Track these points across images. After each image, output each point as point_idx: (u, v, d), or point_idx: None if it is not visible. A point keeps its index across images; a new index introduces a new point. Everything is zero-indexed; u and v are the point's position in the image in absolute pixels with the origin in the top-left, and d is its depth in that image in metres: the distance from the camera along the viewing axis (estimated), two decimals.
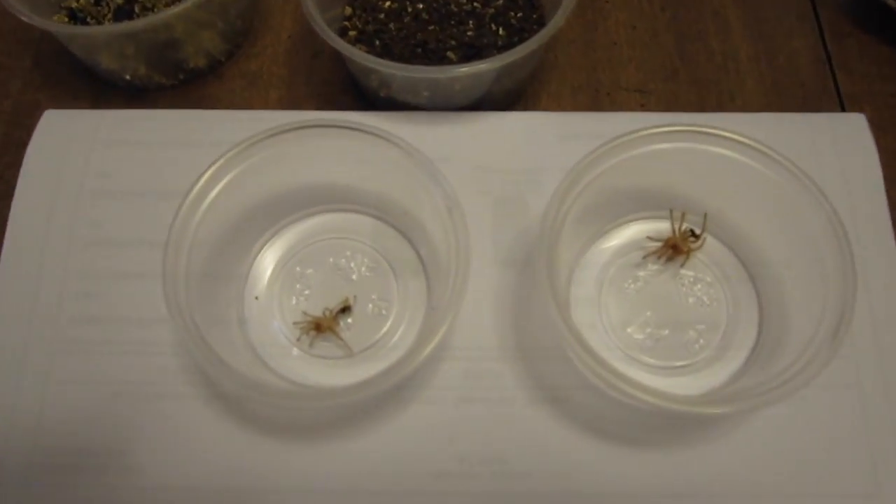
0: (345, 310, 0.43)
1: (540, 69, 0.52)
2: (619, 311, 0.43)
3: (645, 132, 0.39)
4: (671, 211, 0.43)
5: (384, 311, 0.43)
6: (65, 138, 0.48)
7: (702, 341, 0.42)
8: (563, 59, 0.53)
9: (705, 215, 0.43)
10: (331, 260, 0.44)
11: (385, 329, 0.43)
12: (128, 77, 0.52)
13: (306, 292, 0.43)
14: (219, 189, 0.39)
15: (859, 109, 0.49)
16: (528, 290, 0.43)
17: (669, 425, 0.40)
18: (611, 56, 0.53)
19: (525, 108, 0.50)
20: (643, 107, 0.51)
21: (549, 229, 0.37)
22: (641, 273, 0.44)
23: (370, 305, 0.43)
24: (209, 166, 0.39)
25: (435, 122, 0.47)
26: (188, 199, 0.38)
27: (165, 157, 0.47)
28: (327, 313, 0.42)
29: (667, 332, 0.42)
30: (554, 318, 0.36)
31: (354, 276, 0.44)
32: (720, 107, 0.51)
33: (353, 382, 0.36)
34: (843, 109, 0.50)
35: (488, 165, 0.46)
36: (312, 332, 0.42)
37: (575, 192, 0.39)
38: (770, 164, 0.39)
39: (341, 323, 0.43)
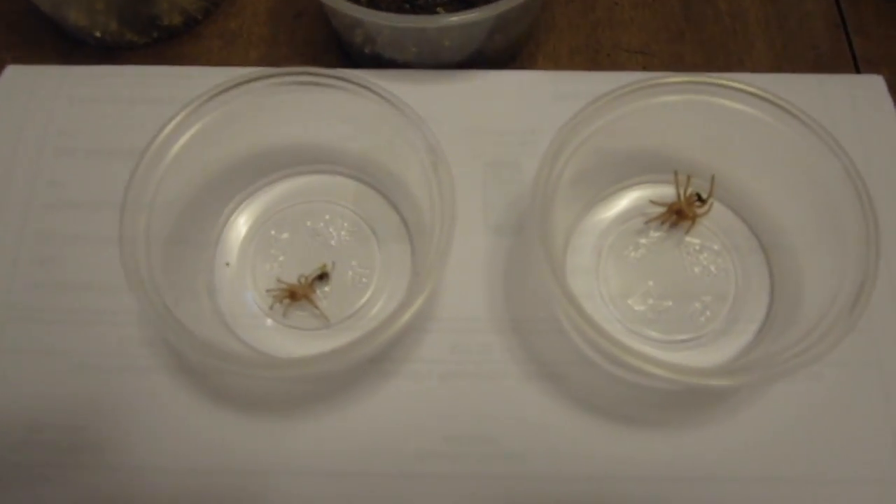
0: (322, 277, 0.39)
1: (536, 29, 0.49)
2: (619, 281, 0.39)
3: (644, 83, 0.36)
4: (675, 173, 0.40)
5: (365, 280, 0.40)
6: (27, 95, 0.45)
7: (708, 313, 0.39)
8: (560, 18, 0.50)
9: (713, 178, 0.40)
10: (308, 224, 0.41)
11: (365, 298, 0.40)
12: (98, 34, 0.48)
13: (281, 258, 0.40)
14: (182, 145, 0.36)
15: (876, 72, 0.45)
16: (521, 257, 0.40)
17: (673, 403, 0.37)
18: (611, 15, 0.50)
19: (520, 69, 0.47)
20: (645, 69, 0.48)
21: (542, 193, 0.34)
22: (643, 240, 0.40)
23: (350, 273, 0.40)
24: (170, 119, 0.36)
25: (423, 80, 0.44)
26: (146, 155, 0.35)
27: (133, 115, 0.44)
28: (303, 280, 0.39)
29: (670, 303, 0.39)
30: (550, 285, 0.32)
31: (333, 242, 0.40)
32: (727, 69, 0.48)
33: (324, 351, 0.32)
34: (858, 73, 0.47)
35: (479, 127, 0.43)
36: (286, 301, 0.39)
37: (568, 152, 0.36)
38: (785, 119, 0.36)
39: (318, 291, 0.39)
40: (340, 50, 0.49)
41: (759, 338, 0.38)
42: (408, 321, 0.33)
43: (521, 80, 0.45)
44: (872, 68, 0.47)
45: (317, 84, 0.36)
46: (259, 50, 0.50)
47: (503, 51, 0.47)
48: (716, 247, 0.40)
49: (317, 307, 0.39)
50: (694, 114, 0.38)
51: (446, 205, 0.34)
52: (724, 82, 0.37)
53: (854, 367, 0.38)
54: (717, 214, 0.40)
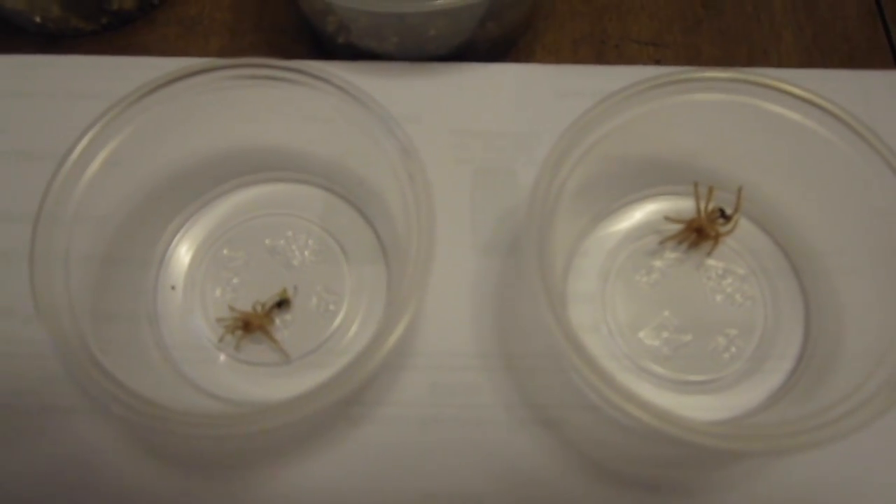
0: (282, 304, 0.34)
1: (534, 16, 0.43)
2: (628, 310, 0.34)
3: (662, 80, 0.31)
4: (695, 185, 0.34)
5: (332, 307, 0.34)
6: None
7: (733, 350, 0.33)
8: (562, 4, 0.44)
9: (739, 190, 0.34)
10: (267, 241, 0.35)
11: (333, 329, 0.34)
12: (38, 20, 0.42)
13: (234, 281, 0.34)
14: (112, 150, 0.30)
15: None
16: (514, 282, 0.34)
17: (693, 461, 0.31)
18: (620, 2, 0.44)
19: (516, 63, 0.41)
20: (658, 63, 0.42)
21: (540, 207, 0.28)
22: (657, 263, 0.35)
23: (314, 299, 0.34)
24: (95, 120, 0.30)
25: (403, 73, 0.38)
26: (66, 162, 0.30)
27: (69, 112, 0.38)
28: (259, 308, 0.33)
29: (689, 337, 0.33)
30: (545, 317, 0.27)
31: (296, 262, 0.35)
32: (751, 64, 0.42)
33: (282, 398, 0.27)
34: None
35: (468, 128, 0.38)
36: (239, 332, 0.33)
37: (572, 159, 0.30)
38: (828, 123, 0.30)
39: (277, 320, 0.34)
40: (313, 39, 0.43)
41: (793, 380, 0.33)
42: (380, 362, 0.27)
43: (516, 75, 0.39)
44: None
45: (272, 78, 0.31)
46: (221, 38, 0.44)
47: (497, 41, 0.41)
48: (742, 271, 0.34)
49: (273, 340, 0.33)
50: (718, 116, 0.32)
51: (424, 221, 0.28)
52: (755, 79, 0.31)
53: None
54: (743, 233, 0.35)
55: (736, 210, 0.34)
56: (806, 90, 0.30)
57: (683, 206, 0.35)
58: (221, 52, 0.44)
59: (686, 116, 0.32)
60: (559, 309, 0.27)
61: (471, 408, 0.33)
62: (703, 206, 0.34)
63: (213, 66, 0.31)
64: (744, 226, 0.35)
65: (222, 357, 0.34)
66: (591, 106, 0.31)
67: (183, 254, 0.35)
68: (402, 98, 0.38)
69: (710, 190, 0.34)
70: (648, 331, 0.33)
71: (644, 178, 0.35)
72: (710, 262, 0.34)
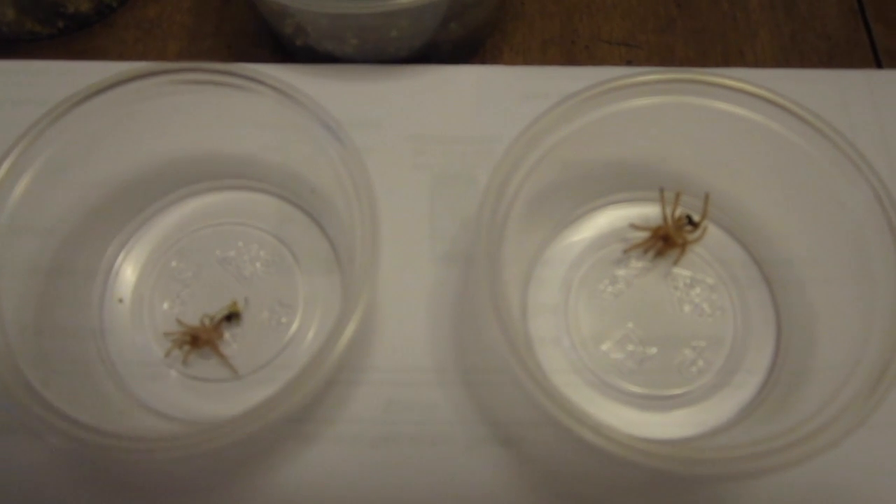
0: (231, 317, 0.32)
1: (501, 17, 0.41)
2: (592, 322, 0.32)
3: (624, 81, 0.29)
4: (661, 191, 0.33)
5: (284, 320, 0.33)
6: None
7: (701, 363, 0.31)
8: (531, 4, 0.42)
9: (706, 196, 0.32)
10: (217, 252, 0.34)
11: (285, 342, 0.32)
12: None
13: (184, 293, 0.33)
14: (48, 158, 0.29)
15: None
16: (475, 293, 0.33)
17: (659, 481, 0.29)
18: (591, 1, 0.42)
19: (481, 64, 0.40)
20: (629, 63, 0.40)
21: (490, 215, 0.27)
22: (622, 272, 0.33)
23: (266, 312, 0.33)
24: (29, 128, 0.28)
25: (362, 76, 0.37)
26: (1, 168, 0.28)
27: (11, 119, 0.36)
28: (207, 321, 0.32)
29: (654, 350, 0.32)
30: (492, 328, 0.25)
31: (247, 273, 0.33)
32: (726, 64, 0.40)
33: (228, 416, 0.25)
34: (879, 68, 0.40)
35: (429, 132, 0.36)
36: (186, 347, 0.32)
37: (528, 164, 0.29)
38: (797, 127, 0.29)
39: (227, 334, 0.32)
40: (274, 42, 0.42)
41: (763, 393, 0.31)
42: (323, 379, 0.26)
43: (480, 77, 0.38)
44: (895, 63, 0.40)
45: (214, 83, 0.29)
46: (180, 42, 0.42)
47: (462, 43, 0.39)
48: (711, 281, 0.33)
49: (221, 356, 0.32)
50: (685, 119, 0.31)
51: (367, 229, 0.27)
52: (722, 80, 0.30)
53: (880, 429, 0.30)
54: (712, 241, 0.33)
55: (703, 217, 0.32)
56: (772, 92, 0.29)
57: (649, 212, 0.33)
58: (180, 56, 0.42)
59: (650, 119, 0.31)
60: (505, 317, 0.26)
61: (427, 426, 0.31)
62: (669, 212, 0.32)
63: (151, 70, 0.30)
64: (713, 234, 0.33)
65: (170, 373, 0.32)
66: (547, 108, 0.29)
67: (130, 265, 0.34)
68: (361, 102, 0.37)
69: (677, 196, 0.32)
70: (612, 343, 0.32)
71: (608, 184, 0.34)
72: (678, 271, 0.33)
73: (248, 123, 0.30)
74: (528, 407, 0.30)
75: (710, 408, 0.31)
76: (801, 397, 0.30)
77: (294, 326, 0.33)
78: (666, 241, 0.32)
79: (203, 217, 0.34)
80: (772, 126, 0.30)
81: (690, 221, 0.32)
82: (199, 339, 0.32)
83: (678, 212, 0.32)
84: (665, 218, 0.32)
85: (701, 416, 0.31)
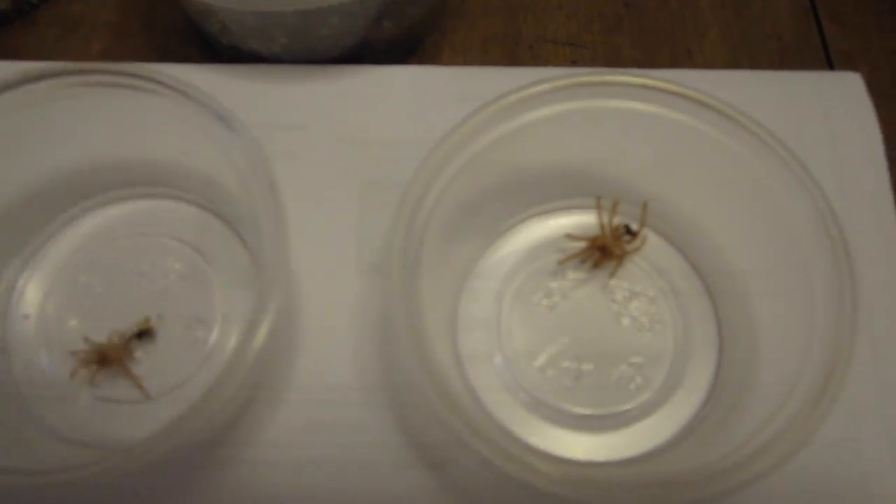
0: (143, 334, 0.30)
1: (440, 15, 0.40)
2: (525, 337, 0.31)
3: (556, 84, 0.27)
4: (598, 199, 0.31)
5: (201, 336, 0.31)
6: None
7: (639, 380, 0.30)
8: (473, 2, 0.41)
9: (644, 205, 0.31)
10: (130, 265, 0.32)
11: (202, 360, 0.30)
12: None
13: (94, 309, 0.31)
14: None
15: (852, 69, 0.37)
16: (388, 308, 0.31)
17: None
18: (535, 0, 0.41)
19: (418, 65, 0.38)
20: (574, 64, 0.39)
21: (406, 225, 0.25)
22: (557, 284, 0.31)
23: (180, 328, 0.31)
24: None
25: (289, 77, 0.35)
26: None
27: None
28: (116, 339, 0.30)
29: (591, 366, 0.30)
30: (402, 343, 0.24)
31: (161, 287, 0.31)
32: (673, 65, 0.39)
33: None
34: (831, 69, 0.39)
35: (359, 136, 0.34)
36: (94, 366, 0.30)
37: (451, 170, 0.27)
38: (736, 134, 0.27)
39: (138, 352, 0.30)
40: (202, 42, 0.40)
41: (705, 411, 0.30)
42: (232, 395, 0.24)
43: (415, 78, 0.36)
44: (848, 64, 0.39)
45: (107, 84, 0.27)
46: (104, 40, 0.40)
47: (397, 42, 0.38)
48: (651, 293, 0.31)
49: (130, 375, 0.29)
50: (622, 124, 0.29)
51: (273, 228, 0.25)
52: (657, 84, 0.28)
53: (824, 448, 0.29)
54: (652, 251, 0.32)
55: (641, 226, 0.31)
56: (710, 96, 0.27)
57: (586, 221, 0.32)
58: (103, 55, 0.40)
59: (586, 124, 0.29)
60: (416, 330, 0.24)
61: (352, 448, 0.29)
62: (607, 222, 0.31)
63: (51, 71, 0.27)
64: (654, 244, 0.32)
65: (78, 394, 0.30)
66: (473, 110, 0.27)
67: (36, 280, 0.32)
68: (288, 104, 0.35)
69: (615, 204, 0.31)
70: (546, 359, 0.30)
71: (544, 192, 0.32)
72: (616, 283, 0.31)
73: (151, 126, 0.28)
74: None
75: (650, 428, 0.29)
76: (742, 416, 0.28)
77: (211, 343, 0.31)
78: (603, 251, 0.31)
79: (114, 228, 0.32)
80: (710, 132, 0.28)
81: (629, 231, 0.31)
82: (107, 358, 0.30)
83: (616, 221, 0.31)
84: (602, 227, 0.31)
85: (639, 437, 0.29)
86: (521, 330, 0.31)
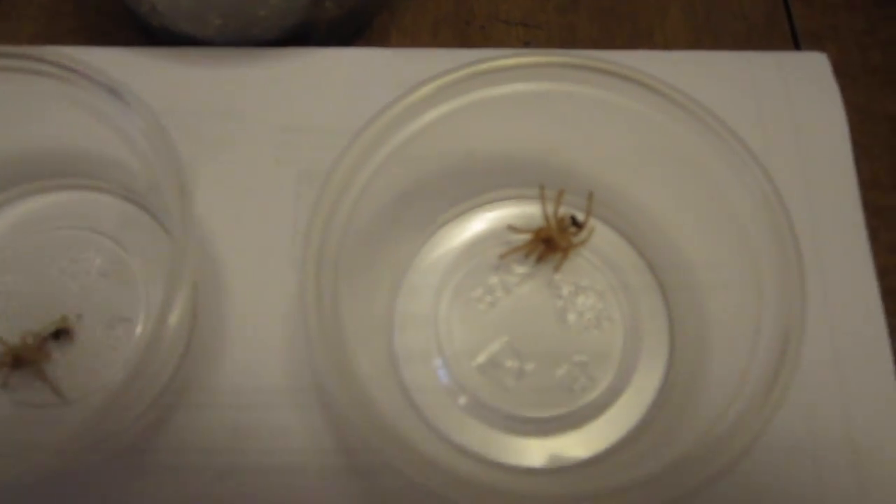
0: (60, 334, 0.28)
1: None
2: (465, 335, 0.29)
3: (494, 64, 0.25)
4: (542, 188, 0.29)
5: (123, 335, 0.29)
6: None
7: (584, 380, 0.28)
8: None
9: (590, 195, 0.29)
10: (47, 261, 0.30)
11: (124, 362, 0.29)
12: None
13: (7, 309, 0.29)
14: None
15: (819, 50, 0.35)
16: (346, 304, 0.29)
17: None
18: None
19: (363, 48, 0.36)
20: (528, 45, 0.37)
21: (324, 216, 0.23)
22: (500, 279, 0.30)
23: (100, 328, 0.29)
24: None
25: (222, 60, 0.33)
26: None
27: None
28: (30, 339, 0.28)
29: (533, 366, 0.28)
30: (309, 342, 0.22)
31: (80, 284, 0.29)
32: (633, 45, 0.37)
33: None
34: (797, 49, 0.37)
35: (297, 124, 0.33)
36: (6, 369, 0.28)
37: (378, 159, 0.25)
38: (683, 120, 0.26)
39: (54, 354, 0.28)
40: (139, 24, 0.38)
41: (653, 412, 0.28)
42: (136, 402, 0.22)
43: (358, 61, 0.34)
44: (815, 43, 0.37)
45: (22, 70, 0.25)
46: (36, 24, 0.38)
47: (341, 23, 0.36)
48: (599, 287, 0.29)
49: (44, 378, 0.28)
50: (570, 108, 0.28)
51: (181, 229, 0.23)
52: (601, 65, 0.26)
53: (779, 454, 0.27)
54: (601, 244, 0.30)
55: (587, 216, 0.29)
56: (655, 79, 0.25)
57: (529, 212, 0.30)
58: (35, 39, 0.38)
59: (527, 108, 0.27)
60: (321, 327, 0.22)
61: (279, 454, 0.28)
62: (551, 212, 0.29)
63: None
64: (603, 236, 0.30)
65: None
66: (401, 94, 0.25)
67: None
68: (221, 89, 0.33)
69: (560, 194, 0.29)
70: (487, 358, 0.29)
71: (485, 181, 0.30)
72: (562, 277, 0.29)
73: (46, 112, 0.27)
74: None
75: (595, 432, 0.28)
76: (692, 418, 0.26)
77: (134, 342, 0.29)
78: (548, 244, 0.29)
79: (28, 223, 0.31)
80: (656, 117, 0.26)
81: (575, 222, 0.29)
82: (21, 360, 0.28)
83: (562, 212, 0.29)
84: (547, 218, 0.29)
85: (584, 441, 0.28)
86: (461, 327, 0.29)
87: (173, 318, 0.23)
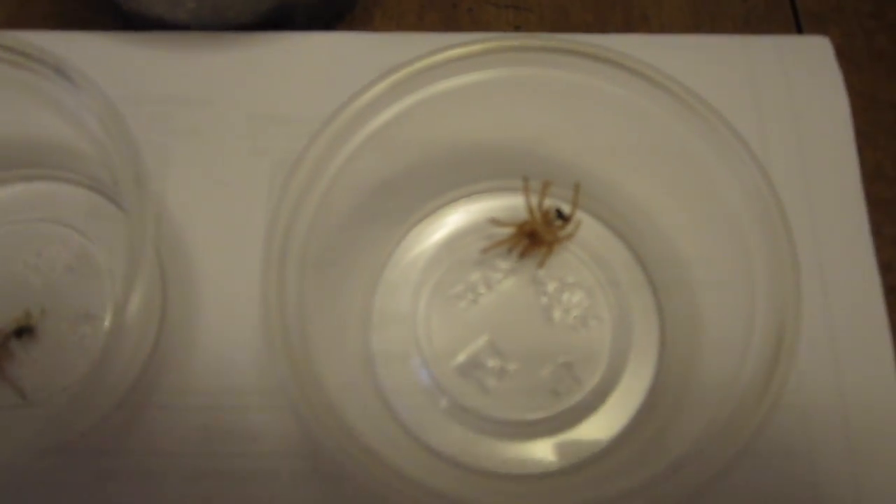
0: (22, 332, 0.27)
1: None
2: (445, 333, 0.28)
3: (472, 49, 0.24)
4: (525, 180, 0.28)
5: (89, 332, 0.28)
6: None
7: (569, 382, 0.27)
8: None
9: (576, 186, 0.27)
10: (10, 255, 0.29)
11: (91, 360, 0.27)
12: None
13: None
14: None
15: (822, 33, 0.33)
16: (318, 301, 0.28)
17: None
18: None
19: (343, 32, 0.35)
20: (518, 29, 0.35)
21: (289, 209, 0.22)
22: (482, 275, 0.28)
23: (66, 325, 0.28)
24: None
25: (194, 45, 0.32)
26: None
27: None
28: None
29: (516, 366, 0.27)
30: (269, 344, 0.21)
31: (44, 279, 0.28)
32: (627, 29, 0.35)
33: None
34: (800, 33, 0.35)
35: (272, 112, 0.31)
36: None
37: (351, 146, 0.24)
38: (672, 108, 0.24)
39: (17, 353, 0.27)
40: (114, 8, 0.36)
41: (642, 416, 0.27)
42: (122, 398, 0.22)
43: (338, 46, 0.33)
44: (818, 26, 0.35)
45: None
46: (7, 7, 0.37)
47: (322, 7, 0.34)
48: (586, 284, 0.28)
49: (5, 377, 0.27)
50: (553, 95, 0.26)
51: (135, 225, 0.22)
52: (588, 49, 0.24)
53: (774, 459, 0.26)
54: (590, 238, 0.29)
55: (574, 209, 0.27)
56: (637, 61, 0.24)
57: (512, 204, 0.29)
58: (6, 24, 0.37)
59: (512, 94, 0.26)
60: (279, 326, 0.21)
61: (250, 457, 0.27)
62: (536, 205, 0.28)
63: None
64: (592, 229, 0.29)
65: None
66: (374, 79, 0.24)
67: None
68: (192, 75, 0.32)
69: (545, 185, 0.28)
70: (467, 358, 0.27)
71: (467, 172, 0.29)
72: (547, 273, 0.28)
73: (6, 99, 0.25)
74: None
75: (579, 436, 0.26)
76: (682, 423, 0.25)
77: (101, 341, 0.28)
78: (533, 238, 0.27)
79: None
80: (648, 106, 0.25)
81: (561, 215, 0.27)
82: None
83: (547, 204, 0.27)
84: (531, 211, 0.27)
85: (568, 446, 0.26)
86: (441, 326, 0.28)
87: (132, 309, 0.21)
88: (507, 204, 0.29)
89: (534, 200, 0.28)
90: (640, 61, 0.24)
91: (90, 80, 0.23)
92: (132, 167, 0.22)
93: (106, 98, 0.23)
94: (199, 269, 0.29)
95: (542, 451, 0.26)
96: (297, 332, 0.21)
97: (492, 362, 0.27)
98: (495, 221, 0.28)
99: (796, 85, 0.31)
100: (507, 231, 0.28)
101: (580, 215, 0.28)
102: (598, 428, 0.27)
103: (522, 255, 0.28)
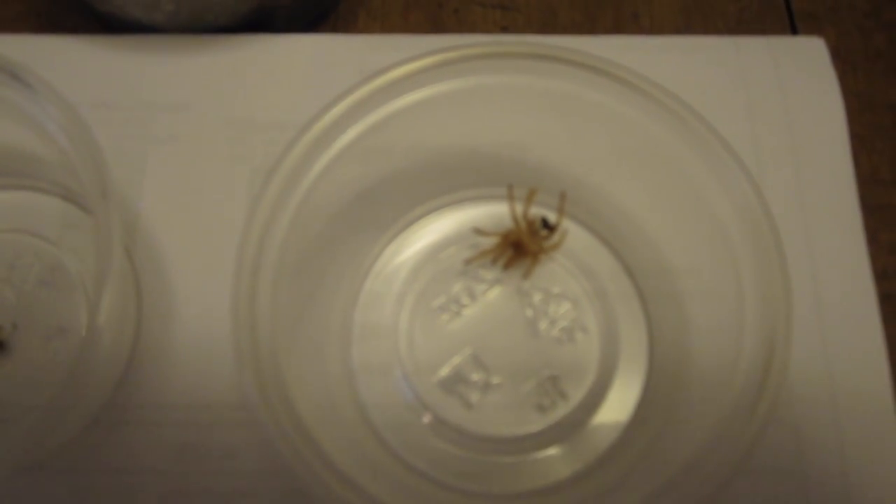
0: None
1: None
2: (428, 346, 0.27)
3: (455, 54, 0.23)
4: (510, 188, 0.27)
5: (62, 349, 0.27)
6: None
7: (555, 396, 0.26)
8: None
9: (562, 195, 0.27)
10: None
11: (64, 377, 0.26)
12: None
13: None
14: None
15: (817, 33, 0.32)
16: (295, 313, 0.27)
17: None
18: None
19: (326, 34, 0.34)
20: (505, 30, 0.34)
21: (263, 219, 0.21)
22: (466, 286, 0.27)
23: (37, 339, 0.27)
24: None
25: (170, 48, 0.31)
26: None
27: None
28: None
29: (500, 380, 0.26)
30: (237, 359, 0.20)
31: (17, 293, 0.27)
32: (617, 30, 0.35)
33: None
34: (794, 33, 0.34)
35: (251, 117, 0.30)
36: None
37: (331, 153, 0.23)
38: (659, 114, 0.23)
39: None
40: (91, 10, 0.35)
41: (629, 434, 0.26)
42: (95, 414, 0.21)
43: (320, 49, 0.32)
44: (813, 26, 0.34)
45: None
46: None
47: (304, 8, 0.33)
48: (573, 295, 0.27)
49: None
50: (539, 102, 0.25)
51: (104, 238, 0.21)
52: (573, 57, 0.24)
53: (765, 476, 0.25)
54: (577, 248, 0.28)
55: (559, 218, 0.27)
56: (621, 68, 0.23)
57: (497, 213, 0.28)
58: None
59: (497, 100, 0.25)
60: (249, 352, 0.20)
61: (226, 476, 0.26)
62: (521, 214, 0.27)
63: None
64: (579, 239, 0.28)
65: None
66: (354, 84, 0.23)
67: None
68: (169, 80, 0.31)
69: (531, 193, 0.27)
70: (450, 372, 0.26)
71: (449, 180, 0.28)
72: (532, 284, 0.27)
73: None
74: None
75: (564, 454, 0.26)
76: (671, 436, 0.24)
77: (74, 355, 0.27)
78: (517, 248, 0.27)
79: None
80: (634, 114, 0.24)
81: (546, 224, 0.27)
82: None
83: (532, 213, 0.27)
84: (516, 220, 0.27)
85: (552, 466, 0.26)
86: (424, 338, 0.27)
87: (102, 321, 0.21)
88: (491, 213, 0.28)
89: (519, 209, 0.27)
90: (628, 69, 0.23)
91: (50, 87, 0.22)
92: (97, 176, 0.21)
93: (68, 105, 0.22)
94: (176, 280, 0.28)
95: (528, 468, 0.26)
96: (268, 345, 0.20)
97: (475, 376, 0.26)
98: (479, 231, 0.27)
99: (790, 87, 0.30)
100: (491, 241, 0.27)
101: (566, 224, 0.27)
102: (585, 444, 0.26)
103: (507, 265, 0.27)
